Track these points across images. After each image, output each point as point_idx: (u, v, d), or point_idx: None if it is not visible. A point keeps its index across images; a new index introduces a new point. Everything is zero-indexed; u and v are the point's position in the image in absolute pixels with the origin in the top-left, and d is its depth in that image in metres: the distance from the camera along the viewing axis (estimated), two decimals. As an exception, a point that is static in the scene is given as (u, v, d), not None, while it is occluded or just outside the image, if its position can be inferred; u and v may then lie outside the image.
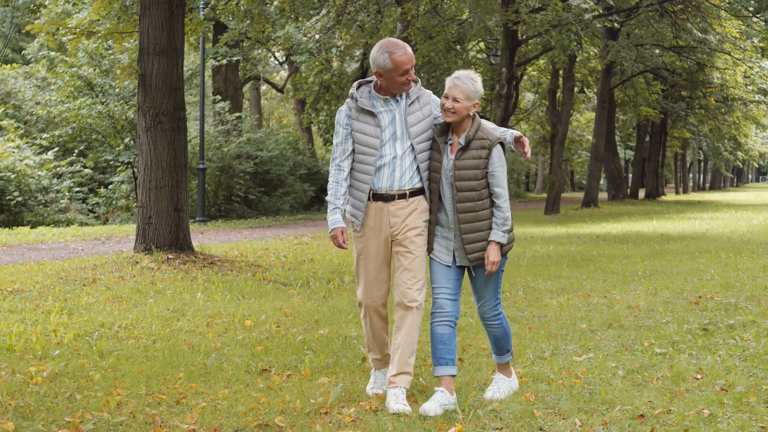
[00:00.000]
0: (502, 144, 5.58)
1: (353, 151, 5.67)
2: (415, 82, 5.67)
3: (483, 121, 5.66)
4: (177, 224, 13.15)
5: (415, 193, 5.65)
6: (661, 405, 5.52)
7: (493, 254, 5.54)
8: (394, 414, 5.32)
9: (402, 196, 5.62)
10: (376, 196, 5.64)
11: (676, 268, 13.22)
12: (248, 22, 18.96)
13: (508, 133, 5.74)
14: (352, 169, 5.69)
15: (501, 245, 5.58)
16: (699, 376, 6.25)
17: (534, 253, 16.05)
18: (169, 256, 12.74)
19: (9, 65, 38.31)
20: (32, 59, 35.97)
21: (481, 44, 39.52)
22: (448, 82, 5.53)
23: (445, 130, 5.62)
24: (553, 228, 24.30)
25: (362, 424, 5.16)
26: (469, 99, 5.47)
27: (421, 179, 5.66)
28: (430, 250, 5.72)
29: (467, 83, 5.49)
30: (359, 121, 5.63)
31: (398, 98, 5.66)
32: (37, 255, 15.09)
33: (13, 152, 26.28)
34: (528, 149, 5.68)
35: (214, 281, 11.36)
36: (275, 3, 20.27)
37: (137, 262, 12.39)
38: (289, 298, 10.36)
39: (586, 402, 5.61)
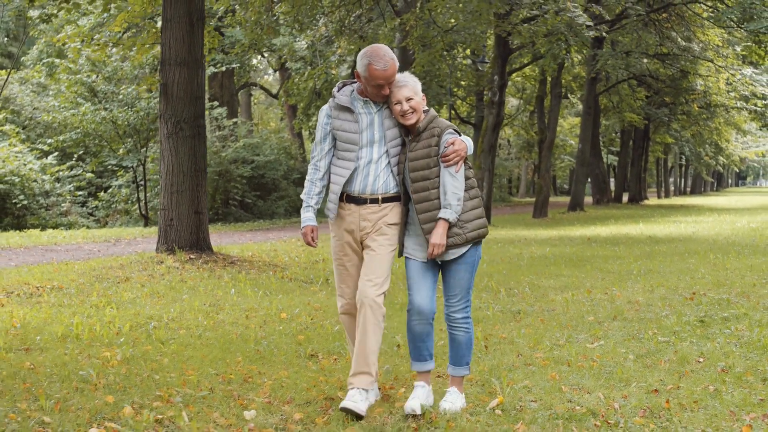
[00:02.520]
0: (457, 131, 5.55)
1: (331, 149, 5.70)
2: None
3: (437, 114, 5.63)
4: (197, 226, 13.87)
5: (389, 199, 5.64)
6: (671, 382, 6.28)
7: (436, 235, 5.44)
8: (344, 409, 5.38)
9: (374, 200, 5.60)
10: (349, 198, 5.64)
11: (668, 267, 14.01)
12: (258, 32, 19.75)
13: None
14: (332, 164, 5.69)
15: (452, 225, 5.48)
16: (701, 360, 7.01)
17: (531, 254, 16.83)
18: (191, 256, 13.44)
19: (3, 71, 38.83)
20: (30, 65, 36.50)
21: (467, 51, 40.16)
22: (394, 88, 5.50)
23: (408, 131, 5.63)
24: (545, 231, 25.12)
25: (414, 398, 5.90)
26: (418, 93, 5.49)
27: (396, 185, 5.64)
28: (401, 252, 5.73)
29: (409, 80, 5.53)
30: (339, 119, 5.63)
31: (379, 103, 5.64)
32: (57, 256, 15.73)
33: (17, 157, 26.91)
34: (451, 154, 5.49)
35: (240, 279, 12.09)
36: (279, 14, 20.98)
37: (162, 262, 13.08)
38: (313, 294, 11.10)
39: (605, 380, 6.37)
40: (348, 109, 5.60)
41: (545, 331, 8.44)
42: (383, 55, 5.46)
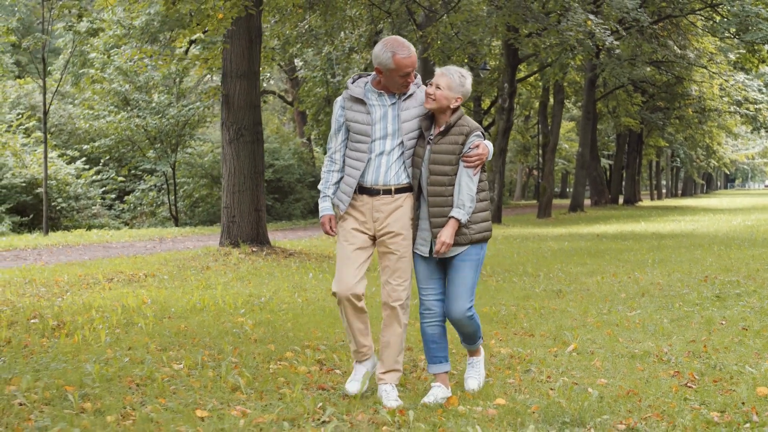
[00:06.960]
0: (483, 134, 5.59)
1: (345, 141, 5.72)
2: (414, 77, 5.66)
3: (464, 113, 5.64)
4: (257, 222, 15.42)
5: (401, 190, 5.63)
6: (703, 336, 7.86)
7: (446, 234, 5.46)
8: (389, 410, 5.40)
9: (387, 191, 5.60)
10: (362, 190, 5.64)
11: (678, 257, 15.62)
12: (298, 45, 21.33)
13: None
14: (347, 156, 5.72)
15: (460, 225, 5.50)
16: (724, 322, 8.60)
17: (550, 247, 18.43)
18: (254, 249, 14.99)
19: (22, 79, 40.36)
20: (55, 73, 37.92)
21: (465, 59, 41.44)
22: (438, 71, 5.57)
23: (430, 125, 5.61)
24: (553, 229, 26.76)
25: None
26: (451, 90, 5.47)
27: (408, 176, 5.63)
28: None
29: (453, 75, 5.51)
30: (352, 110, 5.63)
31: (394, 94, 5.64)
32: (120, 251, 17.23)
33: (53, 162, 28.41)
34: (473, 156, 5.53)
35: (309, 267, 13.63)
36: (312, 27, 22.49)
37: (228, 254, 14.63)
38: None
39: (651, 334, 7.96)
40: (361, 101, 5.61)
41: (588, 304, 10.02)
42: (403, 42, 5.53)
